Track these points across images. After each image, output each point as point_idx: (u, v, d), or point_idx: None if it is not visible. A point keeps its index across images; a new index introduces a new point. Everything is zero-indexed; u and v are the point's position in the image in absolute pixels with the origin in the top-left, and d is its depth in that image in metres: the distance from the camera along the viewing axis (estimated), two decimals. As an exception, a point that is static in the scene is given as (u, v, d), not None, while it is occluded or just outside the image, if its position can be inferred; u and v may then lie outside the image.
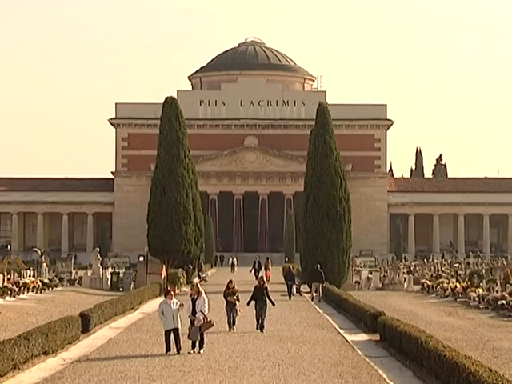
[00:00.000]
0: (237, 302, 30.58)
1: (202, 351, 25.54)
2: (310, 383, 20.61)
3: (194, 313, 25.97)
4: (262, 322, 31.26)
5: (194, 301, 26.14)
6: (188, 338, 25.81)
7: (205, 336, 26.23)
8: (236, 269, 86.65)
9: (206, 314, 26.24)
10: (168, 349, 25.54)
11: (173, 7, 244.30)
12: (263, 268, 69.82)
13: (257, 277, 69.22)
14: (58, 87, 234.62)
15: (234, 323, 30.87)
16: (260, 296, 31.54)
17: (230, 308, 30.59)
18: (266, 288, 32.38)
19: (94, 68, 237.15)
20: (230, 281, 31.45)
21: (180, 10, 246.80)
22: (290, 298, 49.89)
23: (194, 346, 25.71)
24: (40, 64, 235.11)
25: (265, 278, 34.78)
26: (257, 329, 31.11)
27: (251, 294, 32.04)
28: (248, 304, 31.97)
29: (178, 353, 25.26)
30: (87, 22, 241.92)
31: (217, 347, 26.40)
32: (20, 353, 22.89)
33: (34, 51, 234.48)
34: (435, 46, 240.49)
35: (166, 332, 25.76)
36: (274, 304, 32.69)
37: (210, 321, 26.44)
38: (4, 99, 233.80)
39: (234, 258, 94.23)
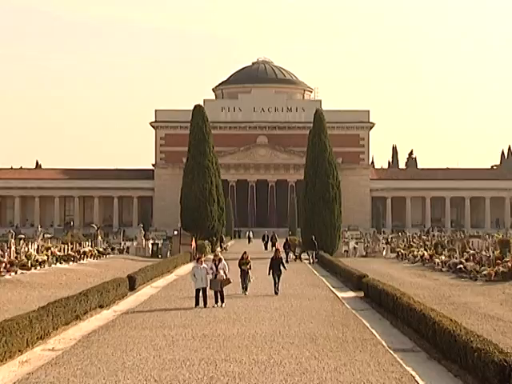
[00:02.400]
0: (249, 270, 29.81)
1: (223, 305, 25.69)
2: (308, 330, 20.66)
3: (215, 273, 26.14)
4: (278, 286, 30.14)
5: (216, 265, 26.39)
6: (209, 288, 25.93)
7: (225, 295, 26.31)
8: (252, 241, 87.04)
9: (227, 272, 26.48)
10: (197, 303, 25.67)
11: (200, 33, 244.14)
12: (270, 241, 69.91)
13: (266, 247, 69.52)
14: (113, 99, 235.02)
15: (246, 289, 29.78)
16: (276, 266, 30.39)
17: (244, 275, 29.78)
18: (281, 258, 31.31)
19: (139, 82, 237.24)
20: (245, 252, 30.83)
21: (206, 36, 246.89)
22: (286, 261, 50.07)
23: (216, 301, 25.84)
24: (101, 83, 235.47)
25: (277, 249, 33.97)
26: (275, 293, 29.72)
27: (269, 264, 30.77)
28: (268, 273, 30.53)
29: (205, 307, 25.43)
30: (137, 48, 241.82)
31: (235, 304, 26.47)
32: (81, 306, 23.10)
33: (100, 73, 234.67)
34: (409, 65, 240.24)
35: (196, 290, 25.94)
36: (285, 269, 31.30)
37: (229, 278, 26.75)
38: (71, 109, 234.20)
39: (251, 232, 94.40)
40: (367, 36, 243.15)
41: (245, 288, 29.65)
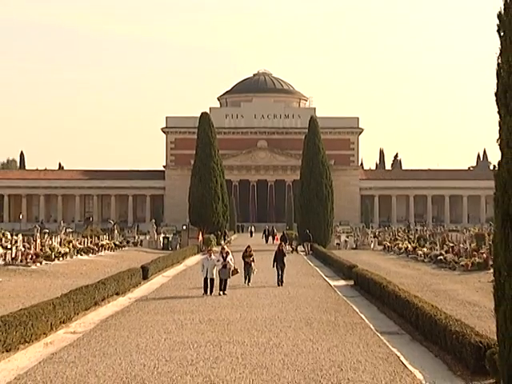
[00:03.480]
0: (252, 262, 29.09)
1: (225, 293, 25.46)
2: (304, 315, 20.66)
3: (224, 264, 26.00)
4: (282, 277, 29.27)
5: (223, 257, 26.27)
6: (219, 276, 25.72)
7: (229, 285, 26.17)
8: (254, 235, 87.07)
9: (233, 264, 26.33)
10: (205, 291, 25.59)
11: (206, 47, 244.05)
12: (270, 235, 69.98)
13: (267, 241, 69.49)
14: (128, 107, 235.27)
15: (249, 280, 28.97)
16: (280, 258, 29.51)
17: (247, 267, 29.04)
18: (284, 252, 30.41)
19: (151, 91, 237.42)
20: (248, 246, 30.29)
21: (211, 50, 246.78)
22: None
23: (221, 289, 25.72)
24: (117, 93, 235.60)
25: (280, 243, 33.23)
26: (278, 285, 28.89)
27: (273, 257, 29.99)
28: (273, 265, 29.65)
29: (211, 294, 25.37)
30: (150, 62, 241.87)
31: (238, 292, 26.42)
32: (99, 293, 23.10)
33: (116, 84, 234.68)
34: (395, 76, 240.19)
35: (204, 279, 25.85)
36: (284, 265, 29.76)
37: (237, 269, 26.71)
38: (91, 117, 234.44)
39: (252, 227, 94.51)
40: (357, 50, 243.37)
41: (248, 279, 29.09)
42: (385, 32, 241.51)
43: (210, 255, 26.31)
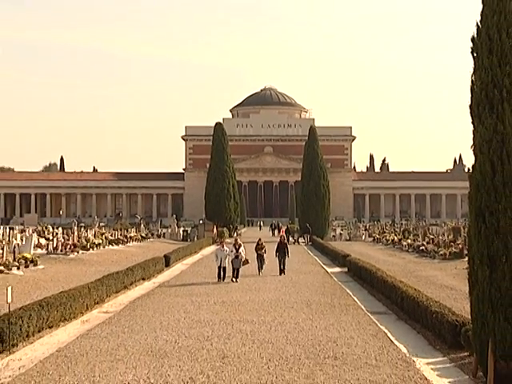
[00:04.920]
0: (264, 254, 28.18)
1: (238, 280, 25.19)
2: (304, 297, 20.65)
3: (236, 254, 25.73)
4: (284, 267, 28.15)
5: (236, 248, 26.04)
6: (232, 265, 25.37)
7: (241, 274, 25.86)
8: (262, 228, 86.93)
9: (244, 255, 26.03)
10: (219, 278, 25.30)
11: (219, 66, 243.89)
12: (276, 228, 69.83)
13: (273, 233, 69.12)
14: (152, 118, 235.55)
15: (262, 268, 28.02)
16: (282, 250, 28.46)
17: (260, 259, 28.12)
18: (286, 244, 29.29)
19: (173, 104, 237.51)
20: (259, 239, 29.46)
21: (224, 68, 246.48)
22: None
23: (233, 276, 25.45)
24: (143, 106, 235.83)
25: (282, 236, 32.59)
26: (280, 274, 27.73)
27: (276, 248, 28.87)
28: (275, 255, 28.56)
29: (223, 280, 25.21)
30: (171, 79, 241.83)
31: (247, 278, 26.34)
32: (128, 279, 23.16)
33: (142, 98, 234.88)
34: (383, 91, 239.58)
35: (218, 267, 25.50)
36: (288, 256, 28.84)
37: (247, 259, 26.38)
38: (122, 126, 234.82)
39: (261, 222, 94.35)
40: (351, 68, 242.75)
41: (260, 268, 28.04)
42: (374, 54, 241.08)
43: (223, 246, 26.02)
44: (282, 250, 28.70)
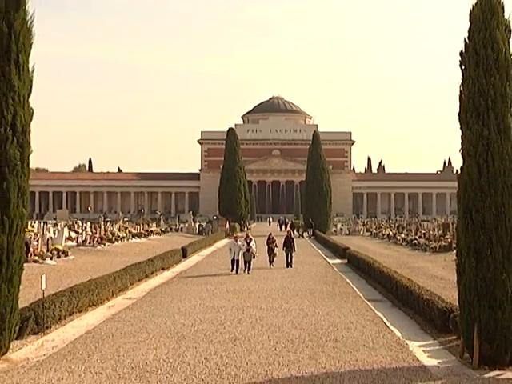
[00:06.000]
0: (275, 248, 27.60)
1: (249, 272, 24.83)
2: (308, 286, 20.63)
3: (247, 248, 25.33)
4: (291, 261, 27.15)
5: (247, 242, 25.58)
6: (243, 258, 25.00)
7: (253, 267, 25.34)
8: (271, 224, 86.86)
9: (255, 248, 25.56)
10: (232, 269, 24.90)
11: (232, 76, 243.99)
12: (284, 223, 69.74)
13: (281, 228, 68.71)
14: (172, 124, 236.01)
15: (272, 261, 27.39)
16: (289, 244, 27.37)
17: (270, 252, 27.50)
18: (293, 239, 27.96)
19: (190, 111, 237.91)
20: (270, 233, 28.93)
21: (237, 78, 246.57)
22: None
23: (245, 268, 25.06)
24: (162, 113, 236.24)
25: (288, 230, 31.98)
26: (287, 266, 26.81)
27: (283, 242, 27.66)
28: (283, 249, 27.42)
29: (237, 272, 24.77)
30: (188, 88, 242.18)
31: (258, 271, 26.09)
32: (149, 268, 23.20)
33: (162, 107, 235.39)
34: (379, 101, 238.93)
35: (231, 260, 25.06)
36: (295, 250, 27.74)
37: (254, 254, 25.99)
38: (144, 132, 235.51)
39: (270, 218, 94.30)
40: (352, 78, 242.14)
41: (272, 261, 27.49)
42: (373, 67, 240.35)
43: (236, 240, 25.63)
44: (289, 245, 27.92)
